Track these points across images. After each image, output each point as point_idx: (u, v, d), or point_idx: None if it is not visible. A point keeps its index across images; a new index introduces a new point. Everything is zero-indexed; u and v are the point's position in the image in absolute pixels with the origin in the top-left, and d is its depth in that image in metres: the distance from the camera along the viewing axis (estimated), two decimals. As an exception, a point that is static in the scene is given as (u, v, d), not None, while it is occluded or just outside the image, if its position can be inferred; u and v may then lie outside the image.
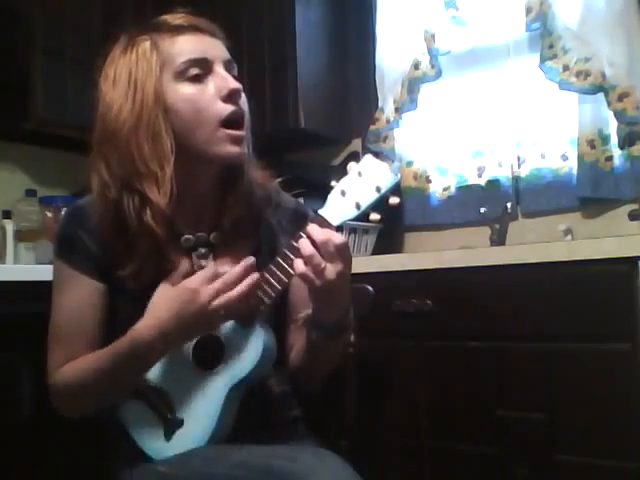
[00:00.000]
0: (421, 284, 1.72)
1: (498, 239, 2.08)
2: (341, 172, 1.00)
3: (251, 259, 1.02)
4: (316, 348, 1.10)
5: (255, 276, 1.00)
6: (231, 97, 1.06)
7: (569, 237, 2.00)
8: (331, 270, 0.97)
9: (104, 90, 1.08)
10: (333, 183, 1.00)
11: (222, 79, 1.06)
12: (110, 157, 1.06)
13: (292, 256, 0.99)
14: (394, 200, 1.00)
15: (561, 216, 2.11)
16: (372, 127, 2.40)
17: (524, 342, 1.58)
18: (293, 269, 0.99)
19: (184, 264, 1.09)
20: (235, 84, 1.06)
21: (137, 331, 1.01)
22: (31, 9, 2.06)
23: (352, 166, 0.99)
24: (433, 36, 2.26)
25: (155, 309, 1.02)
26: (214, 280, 1.00)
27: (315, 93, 2.41)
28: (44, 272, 1.56)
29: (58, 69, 2.11)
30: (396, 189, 1.00)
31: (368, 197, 0.98)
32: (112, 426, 1.12)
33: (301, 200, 2.05)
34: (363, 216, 1.00)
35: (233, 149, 1.07)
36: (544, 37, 2.05)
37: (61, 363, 1.09)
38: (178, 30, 1.07)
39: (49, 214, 2.17)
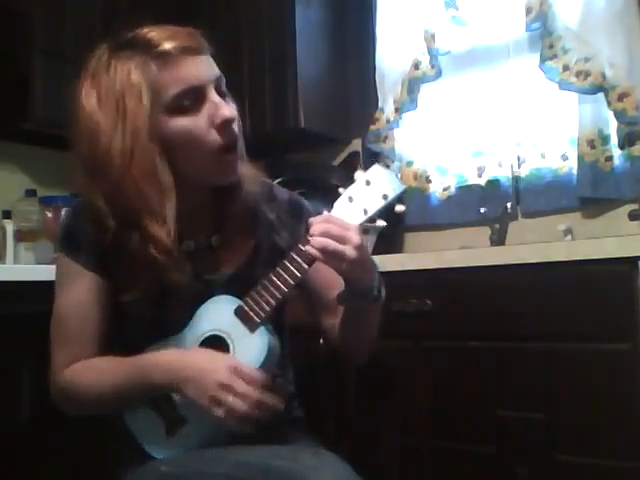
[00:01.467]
0: (421, 284, 1.72)
1: (498, 239, 2.08)
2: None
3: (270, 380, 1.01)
4: (359, 317, 1.11)
5: (268, 399, 0.99)
6: (225, 126, 1.04)
7: (569, 237, 2.00)
8: (350, 249, 0.97)
9: (88, 108, 1.03)
10: (341, 190, 1.02)
11: (215, 107, 1.03)
12: (105, 187, 1.03)
13: (299, 259, 1.01)
14: (400, 208, 1.02)
15: (561, 216, 2.11)
16: (372, 127, 2.41)
17: (524, 342, 1.58)
18: (300, 272, 1.00)
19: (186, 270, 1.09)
20: (228, 112, 1.04)
21: (160, 359, 1.03)
22: (31, 9, 2.06)
23: (360, 174, 1.01)
24: (433, 36, 2.26)
25: (192, 354, 1.03)
26: (238, 377, 0.98)
27: (315, 93, 2.41)
28: (44, 272, 1.56)
29: (58, 69, 2.10)
30: (402, 196, 1.01)
31: (375, 204, 1.00)
32: (114, 423, 1.12)
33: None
34: (370, 222, 1.01)
35: (230, 174, 1.07)
36: (544, 37, 2.05)
37: (66, 361, 1.09)
38: (166, 57, 1.01)
39: (49, 214, 2.17)
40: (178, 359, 1.03)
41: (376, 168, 1.01)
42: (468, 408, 1.63)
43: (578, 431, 1.49)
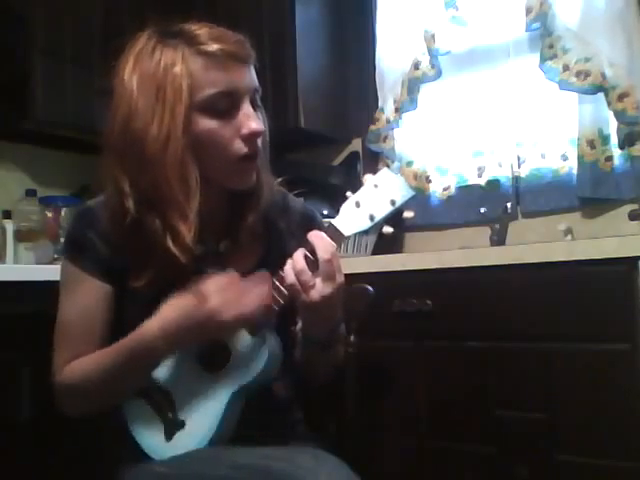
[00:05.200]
0: (421, 284, 1.72)
1: (498, 239, 2.08)
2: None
3: (266, 274, 1.01)
4: (309, 356, 1.13)
5: (267, 289, 1.00)
6: (250, 138, 1.05)
7: (569, 237, 2.00)
8: (319, 290, 0.98)
9: (128, 87, 1.03)
10: (348, 194, 1.00)
11: (246, 118, 1.04)
12: (132, 170, 1.03)
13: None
14: (409, 214, 1.01)
15: (561, 216, 2.11)
16: (372, 127, 2.41)
17: (524, 342, 1.58)
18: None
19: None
20: (257, 126, 1.04)
21: (141, 329, 1.02)
22: (31, 9, 2.06)
23: (368, 178, 1.00)
24: (433, 36, 2.26)
25: (163, 309, 1.02)
26: (227, 288, 0.99)
27: (315, 93, 2.41)
28: (44, 272, 1.57)
29: (58, 69, 2.11)
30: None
31: (383, 210, 0.98)
32: (113, 424, 1.12)
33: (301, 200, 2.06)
34: (377, 229, 1.00)
35: (245, 182, 1.08)
36: (544, 37, 2.05)
37: (67, 362, 1.10)
38: (210, 57, 1.02)
39: (49, 214, 2.17)
40: (161, 310, 1.02)
41: (385, 172, 0.99)
42: (468, 408, 1.63)
43: (578, 431, 1.49)
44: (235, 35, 1.05)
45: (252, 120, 1.04)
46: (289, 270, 0.98)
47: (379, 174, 0.99)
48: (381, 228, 1.01)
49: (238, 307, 0.99)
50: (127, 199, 1.03)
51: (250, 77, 1.06)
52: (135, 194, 1.03)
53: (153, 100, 1.01)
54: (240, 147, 1.04)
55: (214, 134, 1.03)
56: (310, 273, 0.97)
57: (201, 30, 1.04)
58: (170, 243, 1.01)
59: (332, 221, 1.01)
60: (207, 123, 1.03)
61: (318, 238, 0.98)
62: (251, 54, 1.06)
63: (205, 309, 0.99)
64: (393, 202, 0.98)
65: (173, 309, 1.01)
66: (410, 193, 0.99)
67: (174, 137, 1.00)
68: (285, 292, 1.00)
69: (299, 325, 1.14)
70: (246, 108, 1.04)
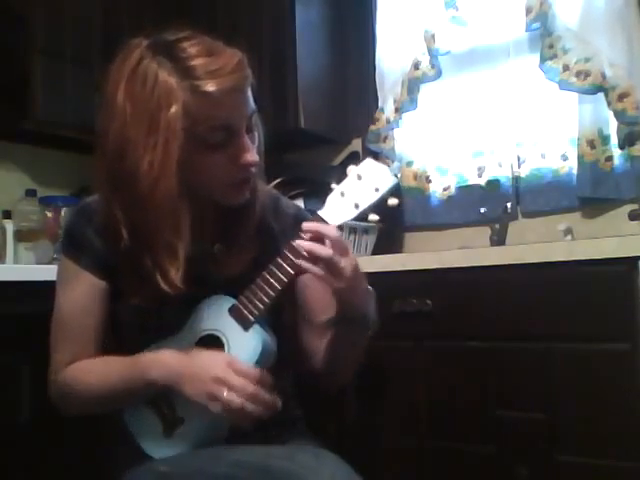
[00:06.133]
0: (421, 284, 1.72)
1: (498, 239, 2.08)
2: (341, 172, 1.01)
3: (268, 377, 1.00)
4: (346, 343, 1.11)
5: (265, 395, 0.98)
6: (246, 167, 1.04)
7: (569, 237, 2.00)
8: (348, 267, 0.97)
9: (120, 114, 0.99)
10: (333, 185, 1.01)
11: (242, 151, 1.02)
12: (124, 200, 1.02)
13: (291, 256, 1.00)
14: (393, 201, 1.01)
15: (561, 216, 2.11)
16: (372, 127, 2.41)
17: (524, 342, 1.58)
18: (292, 269, 1.00)
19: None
20: (251, 158, 1.03)
21: (148, 366, 1.04)
22: (31, 9, 2.06)
23: (352, 169, 1.00)
24: (433, 36, 2.26)
25: (174, 359, 1.03)
26: (234, 373, 0.98)
27: (315, 93, 2.41)
28: (44, 272, 1.56)
29: (58, 69, 2.10)
30: (396, 190, 1.00)
31: (367, 198, 0.99)
32: (113, 424, 1.12)
33: (301, 200, 2.06)
34: (362, 217, 1.01)
35: (240, 199, 1.08)
36: (544, 37, 2.05)
37: (65, 361, 1.10)
38: (208, 96, 0.97)
39: (49, 214, 2.17)
40: (176, 357, 1.03)
41: (368, 162, 1.00)
42: (468, 408, 1.63)
43: (578, 431, 1.49)
44: (233, 58, 1.00)
45: (248, 152, 1.03)
46: (310, 266, 0.98)
47: (362, 164, 1.00)
48: (373, 221, 1.01)
49: (232, 400, 0.97)
50: (121, 226, 1.03)
51: (246, 104, 1.03)
52: (128, 224, 1.03)
53: (145, 132, 0.98)
54: (234, 175, 1.04)
55: (208, 165, 1.02)
56: (338, 256, 0.97)
57: (197, 60, 0.98)
58: (159, 279, 1.01)
59: (318, 212, 1.01)
60: (201, 156, 1.01)
61: (314, 225, 0.99)
62: (248, 77, 1.02)
63: (210, 374, 0.98)
64: (377, 190, 0.99)
65: (198, 360, 1.02)
66: (394, 180, 0.99)
67: (166, 175, 0.98)
68: (277, 286, 1.00)
69: (326, 317, 1.12)
70: (242, 140, 1.02)
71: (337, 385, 1.21)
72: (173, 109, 0.97)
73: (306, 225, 1.00)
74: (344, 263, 0.98)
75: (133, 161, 0.98)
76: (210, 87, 0.97)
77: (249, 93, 1.04)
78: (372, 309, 1.08)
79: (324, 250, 0.97)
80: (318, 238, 0.98)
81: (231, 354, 1.03)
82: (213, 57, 0.99)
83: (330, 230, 0.99)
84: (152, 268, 1.02)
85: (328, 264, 0.98)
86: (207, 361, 1.00)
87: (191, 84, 0.97)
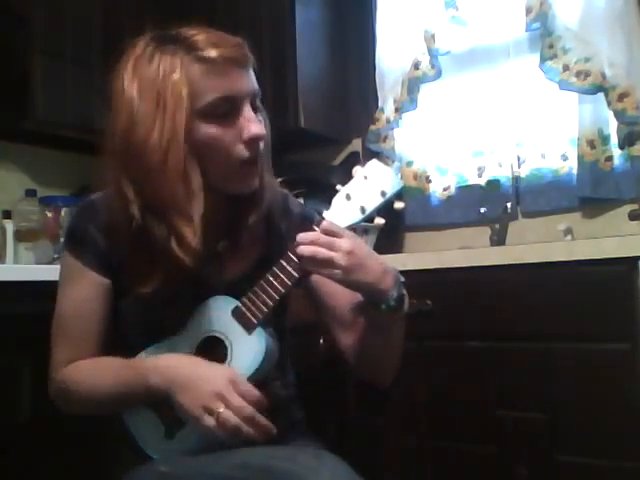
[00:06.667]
0: (421, 284, 1.71)
1: (498, 239, 2.08)
2: (342, 172, 1.01)
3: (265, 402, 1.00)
4: (378, 331, 1.08)
5: (261, 419, 0.98)
6: (252, 142, 1.04)
7: (569, 237, 2.00)
8: (339, 256, 0.97)
9: (128, 94, 1.02)
10: (338, 187, 1.00)
11: (246, 122, 1.03)
12: (135, 178, 1.02)
13: (295, 258, 1.00)
14: (399, 205, 1.00)
15: (561, 216, 2.11)
16: (372, 127, 2.41)
17: (524, 342, 1.58)
18: (297, 271, 1.00)
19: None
20: (258, 130, 1.04)
21: (148, 371, 1.03)
22: (31, 9, 2.06)
23: (358, 170, 0.99)
24: (433, 36, 2.26)
25: (176, 367, 1.03)
26: (234, 391, 0.98)
27: (315, 93, 2.41)
28: (44, 272, 1.57)
29: (58, 69, 2.10)
30: (400, 193, 0.99)
31: (373, 201, 0.98)
32: (113, 424, 1.12)
33: (301, 200, 2.06)
34: (368, 219, 1.00)
35: (247, 185, 1.07)
36: (544, 37, 2.05)
37: (66, 359, 1.10)
38: (209, 64, 1.01)
39: (49, 214, 2.17)
40: (177, 365, 1.03)
41: (374, 163, 0.99)
42: (468, 408, 1.63)
43: (578, 431, 1.49)
44: (233, 39, 1.05)
45: (253, 124, 1.04)
46: (303, 248, 0.98)
47: (368, 165, 0.99)
48: (379, 225, 1.01)
49: (230, 417, 0.96)
50: (132, 206, 1.02)
51: (250, 81, 1.06)
52: (139, 201, 1.02)
53: (153, 107, 1.00)
54: (242, 151, 1.04)
55: (215, 139, 1.03)
56: (323, 250, 0.97)
57: (199, 35, 1.03)
58: (175, 247, 1.01)
59: (324, 215, 1.01)
60: (208, 129, 1.02)
61: (304, 235, 0.99)
62: (250, 57, 1.06)
63: (210, 387, 0.98)
64: (383, 193, 0.98)
65: (199, 370, 1.01)
66: (400, 184, 0.99)
67: (175, 144, 1.00)
68: (280, 288, 1.00)
69: (351, 306, 1.11)
70: (247, 112, 1.04)
71: (388, 376, 1.17)
72: (177, 76, 1.00)
73: (299, 237, 0.99)
74: (337, 258, 0.97)
75: (143, 133, 1.00)
76: (212, 53, 1.00)
77: (252, 74, 1.07)
78: (395, 287, 1.04)
79: (320, 254, 0.97)
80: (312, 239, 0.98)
81: (233, 359, 1.03)
82: (214, 33, 1.04)
83: (328, 226, 0.98)
84: (166, 238, 1.01)
85: (317, 263, 0.97)
86: (209, 373, 1.00)
87: (194, 55, 1.01)
